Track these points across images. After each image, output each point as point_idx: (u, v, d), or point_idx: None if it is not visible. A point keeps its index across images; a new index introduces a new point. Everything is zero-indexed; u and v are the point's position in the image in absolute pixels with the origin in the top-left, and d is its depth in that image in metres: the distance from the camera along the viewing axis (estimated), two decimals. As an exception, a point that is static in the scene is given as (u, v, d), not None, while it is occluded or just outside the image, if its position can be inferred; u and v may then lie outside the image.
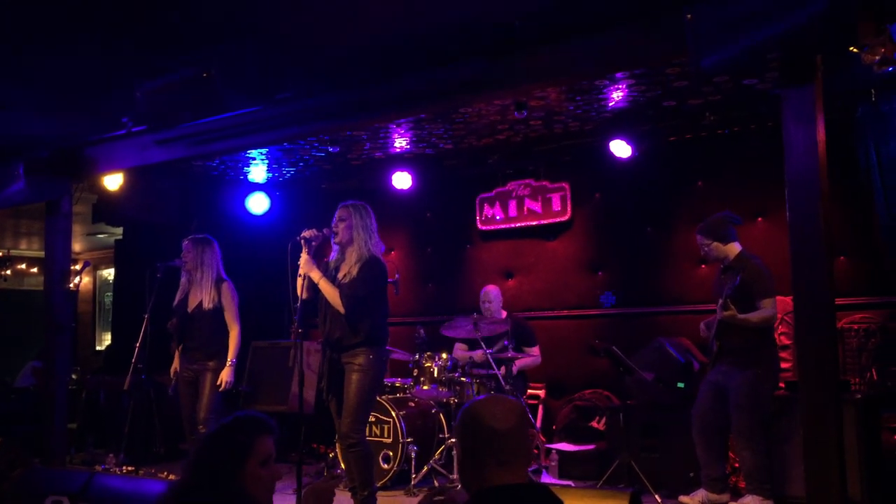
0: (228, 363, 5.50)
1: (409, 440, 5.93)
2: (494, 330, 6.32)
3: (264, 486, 2.39)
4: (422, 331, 6.46)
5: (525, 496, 2.12)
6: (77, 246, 11.81)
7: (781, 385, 5.63)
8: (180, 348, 5.67)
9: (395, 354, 6.37)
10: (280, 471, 2.45)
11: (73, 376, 8.49)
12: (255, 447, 2.38)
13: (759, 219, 6.40)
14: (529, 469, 5.89)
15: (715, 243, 5.26)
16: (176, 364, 5.70)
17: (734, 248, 5.26)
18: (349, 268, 4.85)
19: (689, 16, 3.09)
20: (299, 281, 4.86)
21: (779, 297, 6.00)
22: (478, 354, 6.44)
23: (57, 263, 5.92)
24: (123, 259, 8.90)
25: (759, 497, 4.98)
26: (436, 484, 5.86)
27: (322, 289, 4.84)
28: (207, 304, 5.56)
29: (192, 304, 5.61)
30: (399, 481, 5.95)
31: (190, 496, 2.33)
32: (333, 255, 5.03)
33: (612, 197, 7.17)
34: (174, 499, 2.38)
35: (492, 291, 6.77)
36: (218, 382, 5.44)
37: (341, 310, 4.77)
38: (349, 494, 4.91)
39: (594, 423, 6.51)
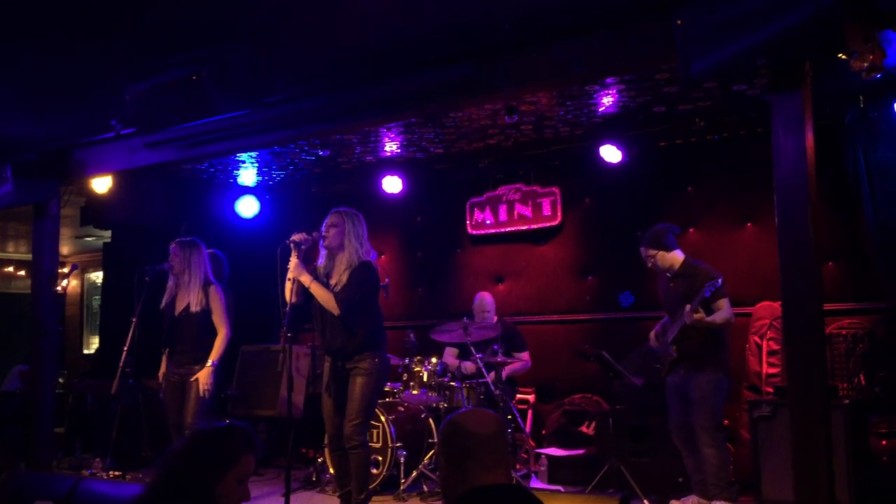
0: (208, 364, 5.40)
1: (398, 445, 5.91)
2: (484, 335, 6.31)
3: (233, 503, 2.37)
4: (412, 335, 6.45)
5: (507, 496, 2.18)
6: (65, 249, 11.74)
7: (770, 389, 5.66)
8: (167, 352, 5.64)
9: (384, 359, 6.35)
10: (250, 493, 2.43)
11: (60, 380, 8.45)
12: (240, 462, 2.37)
13: (749, 224, 6.42)
14: (519, 474, 5.89)
15: (660, 253, 5.36)
16: (164, 368, 5.67)
17: (678, 256, 5.37)
18: (340, 275, 4.83)
19: (678, 21, 3.10)
20: (288, 285, 4.84)
21: (767, 303, 6.05)
22: (467, 365, 6.43)
23: (44, 266, 5.88)
24: (112, 262, 8.85)
25: (727, 503, 5.01)
26: (425, 489, 5.85)
27: (314, 292, 4.81)
28: (194, 308, 5.52)
29: (179, 308, 5.58)
30: (388, 486, 5.93)
31: (164, 496, 2.31)
32: (321, 262, 5.00)
33: (603, 202, 7.18)
34: (150, 495, 2.36)
35: (487, 301, 6.76)
36: (202, 390, 5.39)
37: (336, 311, 4.74)
38: (338, 501, 4.89)
39: (584, 428, 6.51)
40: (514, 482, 2.83)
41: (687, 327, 5.13)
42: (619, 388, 5.97)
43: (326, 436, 4.97)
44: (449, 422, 2.27)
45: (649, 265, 5.46)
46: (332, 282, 4.85)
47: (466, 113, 5.99)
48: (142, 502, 2.37)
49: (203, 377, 5.38)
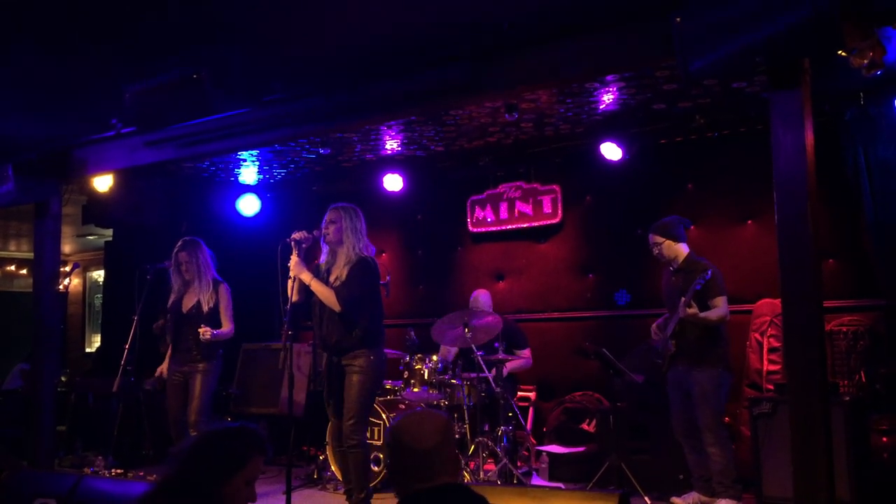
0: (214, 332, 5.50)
1: (399, 442, 5.91)
2: (485, 330, 6.32)
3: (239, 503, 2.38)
4: (412, 333, 6.45)
5: (448, 496, 2.22)
6: (67, 247, 11.76)
7: (770, 387, 5.66)
8: (170, 350, 5.67)
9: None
10: (256, 495, 2.44)
11: (62, 378, 8.46)
12: (250, 463, 2.38)
13: (750, 221, 6.42)
14: (520, 471, 5.90)
15: (668, 241, 5.39)
16: (164, 365, 5.70)
17: (683, 249, 5.41)
18: (339, 271, 4.85)
19: (677, 19, 3.10)
20: (290, 283, 4.86)
21: (768, 300, 6.05)
22: (443, 349, 6.47)
23: (46, 265, 5.88)
24: (113, 260, 8.87)
25: (733, 501, 5.01)
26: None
27: (314, 290, 4.83)
28: (205, 306, 5.56)
29: (187, 306, 5.60)
30: (389, 484, 5.93)
31: (173, 493, 2.32)
32: (324, 258, 5.03)
33: (603, 199, 7.18)
34: (158, 492, 2.37)
35: (481, 297, 6.77)
36: (203, 331, 5.43)
37: (336, 308, 4.76)
38: (342, 497, 4.90)
39: (584, 426, 6.52)
40: (459, 481, 2.90)
41: (684, 322, 5.15)
42: (620, 386, 5.97)
43: (328, 432, 4.98)
44: (392, 433, 2.29)
45: (655, 252, 5.46)
46: (332, 277, 4.87)
47: (466, 111, 5.99)
48: (149, 499, 2.39)
49: (208, 332, 5.43)
